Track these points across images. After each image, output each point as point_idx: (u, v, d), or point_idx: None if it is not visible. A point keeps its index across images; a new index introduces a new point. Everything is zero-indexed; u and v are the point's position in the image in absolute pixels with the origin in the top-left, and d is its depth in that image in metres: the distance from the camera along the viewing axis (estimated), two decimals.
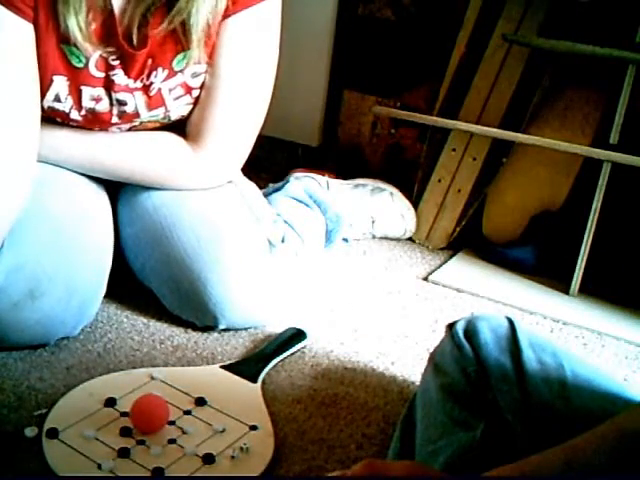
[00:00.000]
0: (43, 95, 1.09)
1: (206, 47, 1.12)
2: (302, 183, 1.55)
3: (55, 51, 1.07)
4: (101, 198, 1.22)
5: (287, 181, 1.57)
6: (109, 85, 1.12)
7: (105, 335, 1.16)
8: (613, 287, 1.46)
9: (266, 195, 1.48)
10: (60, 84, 1.09)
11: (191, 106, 1.19)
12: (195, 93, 1.17)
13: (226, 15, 1.11)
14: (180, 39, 1.09)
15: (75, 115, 1.13)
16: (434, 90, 1.70)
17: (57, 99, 1.11)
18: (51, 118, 1.14)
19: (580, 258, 1.43)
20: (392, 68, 1.82)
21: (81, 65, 1.09)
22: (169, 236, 1.19)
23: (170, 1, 1.06)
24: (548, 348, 0.82)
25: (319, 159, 1.90)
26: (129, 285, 1.25)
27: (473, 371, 0.82)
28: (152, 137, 1.21)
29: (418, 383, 0.97)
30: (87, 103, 1.12)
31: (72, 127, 1.16)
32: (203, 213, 1.20)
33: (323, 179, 1.61)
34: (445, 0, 1.73)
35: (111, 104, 1.14)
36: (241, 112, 1.20)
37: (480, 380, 0.80)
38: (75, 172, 1.18)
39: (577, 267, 1.44)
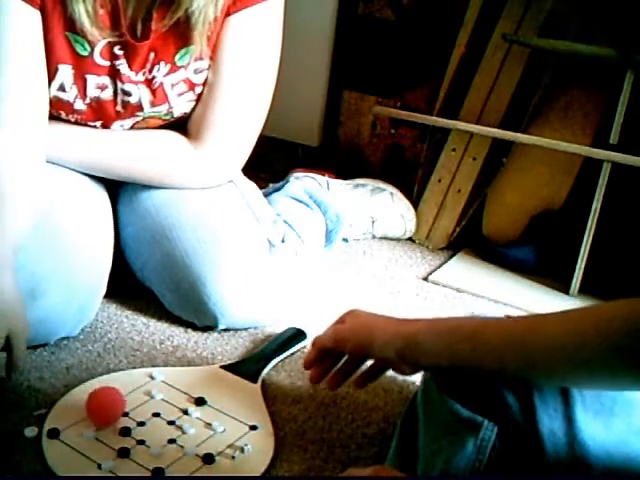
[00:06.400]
0: (48, 84, 1.10)
1: (209, 43, 1.12)
2: (302, 183, 1.54)
3: (60, 39, 1.07)
4: (101, 198, 1.22)
5: (287, 181, 1.57)
6: (115, 74, 1.12)
7: (105, 335, 1.16)
8: (613, 287, 1.46)
9: (266, 195, 1.48)
10: (65, 73, 1.10)
11: (194, 103, 1.19)
12: (198, 90, 1.17)
13: (229, 12, 1.12)
14: (183, 34, 1.10)
15: (79, 105, 1.13)
16: (434, 90, 1.70)
17: (62, 88, 1.11)
18: (53, 115, 1.14)
19: (580, 258, 1.43)
20: (392, 68, 1.82)
21: (86, 53, 1.09)
22: (169, 236, 1.19)
23: None
24: None
25: (319, 159, 1.90)
26: (129, 285, 1.25)
27: None
28: (152, 135, 1.21)
29: (418, 383, 0.97)
30: (92, 92, 1.12)
31: (73, 125, 1.16)
32: (203, 213, 1.20)
33: (323, 179, 1.61)
34: (445, 0, 1.73)
35: (115, 93, 1.14)
36: (243, 110, 1.19)
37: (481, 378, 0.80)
38: (75, 171, 1.18)
39: (577, 267, 1.44)
